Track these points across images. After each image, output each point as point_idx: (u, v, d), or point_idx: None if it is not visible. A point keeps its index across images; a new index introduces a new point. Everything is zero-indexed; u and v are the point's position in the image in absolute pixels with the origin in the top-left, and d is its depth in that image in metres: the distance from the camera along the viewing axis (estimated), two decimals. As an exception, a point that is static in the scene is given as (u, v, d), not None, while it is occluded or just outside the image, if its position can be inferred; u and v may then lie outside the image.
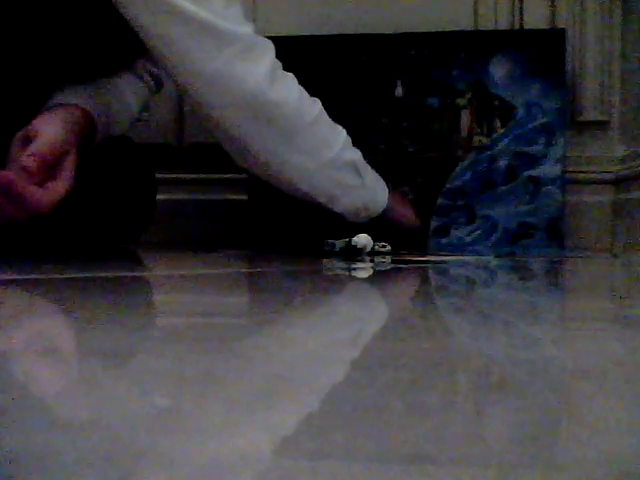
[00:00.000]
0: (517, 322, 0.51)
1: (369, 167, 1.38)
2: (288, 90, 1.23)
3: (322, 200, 1.32)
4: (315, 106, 1.27)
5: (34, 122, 1.06)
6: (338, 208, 1.34)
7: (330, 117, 1.35)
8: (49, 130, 1.06)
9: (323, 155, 1.28)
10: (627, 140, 1.77)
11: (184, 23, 1.11)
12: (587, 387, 0.31)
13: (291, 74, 1.24)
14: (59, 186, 1.04)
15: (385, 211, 1.41)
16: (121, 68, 1.26)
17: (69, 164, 1.06)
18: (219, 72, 1.14)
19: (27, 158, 1.02)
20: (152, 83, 1.34)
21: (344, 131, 1.32)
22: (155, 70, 1.32)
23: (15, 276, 0.81)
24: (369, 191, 1.37)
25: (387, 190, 1.42)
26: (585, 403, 0.28)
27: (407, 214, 1.51)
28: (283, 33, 1.81)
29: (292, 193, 1.33)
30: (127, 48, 1.20)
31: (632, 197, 1.67)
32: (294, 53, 1.71)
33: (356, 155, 1.34)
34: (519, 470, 0.21)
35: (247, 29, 1.17)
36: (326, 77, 1.70)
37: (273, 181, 1.32)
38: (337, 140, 1.30)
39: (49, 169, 1.04)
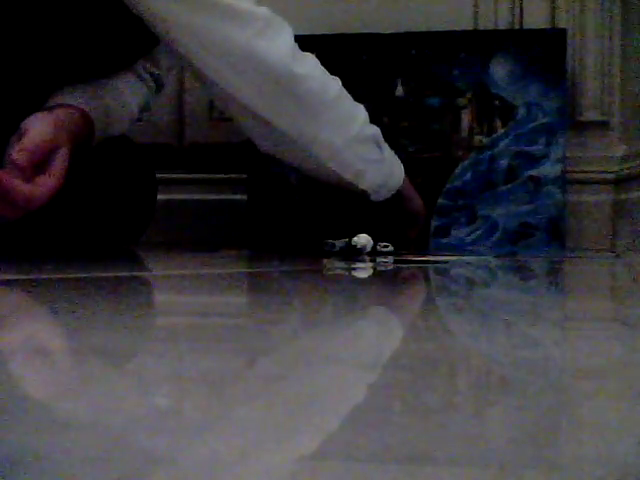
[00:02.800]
0: (517, 322, 0.51)
1: (385, 142, 1.38)
2: (311, 65, 1.24)
3: (349, 177, 1.31)
4: (337, 82, 1.28)
5: (25, 121, 1.06)
6: (363, 184, 1.33)
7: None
8: (37, 127, 1.05)
9: (349, 130, 1.28)
10: (627, 140, 1.77)
11: (203, 8, 1.12)
12: (587, 387, 0.31)
13: (309, 53, 1.26)
14: (48, 181, 1.04)
15: (400, 189, 1.41)
16: (121, 69, 1.25)
17: (59, 160, 1.06)
18: (242, 52, 1.15)
19: (15, 153, 1.02)
20: (152, 84, 1.34)
21: (362, 106, 1.33)
22: (155, 71, 1.32)
23: (15, 276, 0.81)
24: (388, 165, 1.37)
25: (402, 165, 1.42)
26: (585, 403, 0.28)
27: (415, 197, 1.49)
28: (283, 33, 1.81)
29: (316, 174, 1.33)
30: (127, 48, 1.20)
31: (632, 197, 1.67)
32: (294, 53, 1.71)
33: (375, 129, 1.34)
34: (519, 470, 0.21)
35: (263, 8, 1.18)
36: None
37: (297, 161, 1.32)
38: (360, 115, 1.31)
39: (38, 164, 1.04)
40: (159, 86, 1.36)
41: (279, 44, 1.19)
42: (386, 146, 1.36)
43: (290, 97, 1.21)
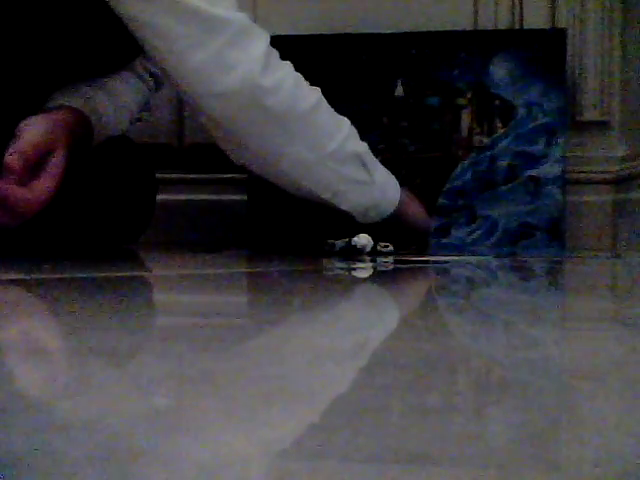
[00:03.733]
0: (518, 322, 0.51)
1: (378, 163, 1.32)
2: (282, 77, 1.18)
3: (326, 196, 1.26)
4: (313, 94, 1.22)
5: (20, 124, 1.06)
6: (345, 205, 1.28)
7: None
8: (31, 130, 1.05)
9: (323, 146, 1.22)
10: (627, 140, 1.77)
11: (172, 10, 1.09)
12: (587, 387, 0.31)
13: (288, 62, 1.21)
14: (45, 184, 1.03)
15: (396, 211, 1.35)
16: (120, 67, 1.25)
17: (55, 163, 1.05)
18: (209, 61, 1.11)
19: (9, 157, 1.02)
20: (152, 82, 1.34)
21: (348, 122, 1.27)
22: (155, 69, 1.32)
23: (15, 276, 0.81)
24: (378, 188, 1.31)
25: (399, 188, 1.36)
26: (585, 403, 0.28)
27: (418, 214, 1.45)
28: (283, 33, 1.81)
29: (295, 191, 1.29)
30: (125, 47, 1.20)
31: (632, 197, 1.67)
32: (294, 53, 1.71)
33: (362, 148, 1.28)
34: (519, 470, 0.21)
35: (238, 15, 1.14)
36: (326, 77, 1.70)
37: (272, 178, 1.28)
38: (340, 131, 1.24)
39: (33, 167, 1.04)
40: (158, 84, 1.36)
41: (249, 54, 1.14)
42: (378, 167, 1.31)
43: (255, 110, 1.16)
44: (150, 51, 1.13)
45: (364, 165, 1.28)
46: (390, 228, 1.37)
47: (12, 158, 1.02)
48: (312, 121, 1.22)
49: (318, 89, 1.24)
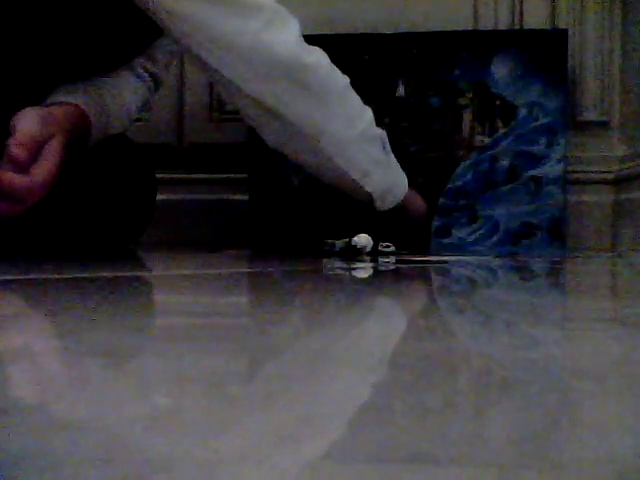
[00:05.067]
0: (518, 322, 0.51)
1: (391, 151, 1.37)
2: (318, 56, 1.23)
3: (356, 176, 1.29)
4: (345, 78, 1.27)
5: (13, 117, 1.06)
6: (370, 186, 1.31)
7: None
8: (25, 121, 1.05)
9: (357, 125, 1.27)
10: (627, 140, 1.77)
11: (209, 1, 1.12)
12: (587, 387, 0.31)
13: (317, 47, 1.26)
14: (43, 170, 1.04)
15: (404, 198, 1.39)
16: (119, 66, 1.25)
17: (52, 149, 1.05)
18: (249, 45, 1.15)
19: (14, 148, 1.02)
20: (151, 83, 1.34)
21: (370, 109, 1.31)
22: (154, 69, 1.32)
23: (15, 276, 0.81)
24: (394, 171, 1.36)
25: (405, 176, 1.39)
26: (585, 403, 0.28)
27: (419, 203, 1.48)
28: (284, 33, 1.81)
29: (322, 172, 1.32)
30: (125, 46, 1.20)
31: (632, 197, 1.67)
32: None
33: (382, 132, 1.33)
34: (519, 470, 0.21)
35: (268, 0, 1.18)
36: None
37: (308, 158, 1.30)
38: (367, 112, 1.30)
39: (30, 157, 1.04)
40: (157, 84, 1.36)
41: (286, 35, 1.19)
42: (391, 154, 1.35)
43: (299, 86, 1.20)
44: (185, 42, 1.15)
45: (384, 147, 1.32)
46: (396, 218, 1.40)
47: (17, 147, 1.02)
48: (347, 99, 1.27)
49: (346, 76, 1.28)
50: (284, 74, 1.18)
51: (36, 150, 1.04)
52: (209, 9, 1.12)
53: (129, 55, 1.24)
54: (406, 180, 1.39)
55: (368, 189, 1.32)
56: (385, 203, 1.36)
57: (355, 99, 1.28)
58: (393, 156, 1.36)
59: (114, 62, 1.23)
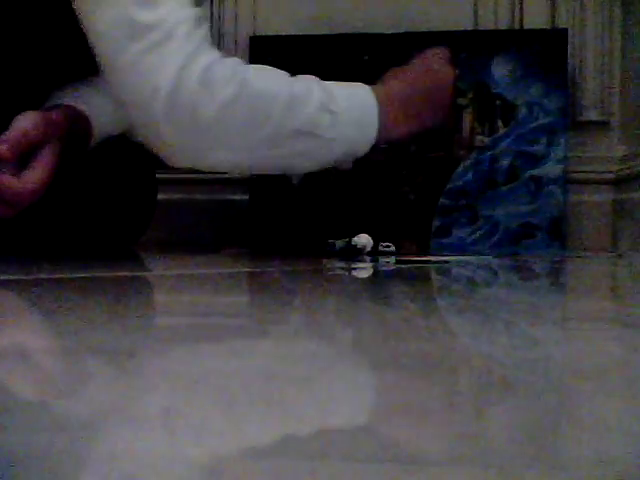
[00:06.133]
0: (518, 322, 0.51)
1: (342, 91, 1.14)
2: (214, 90, 1.05)
3: (282, 171, 1.20)
4: (229, 89, 1.06)
5: (14, 119, 1.06)
6: (313, 166, 1.16)
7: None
8: (23, 121, 1.05)
9: (252, 138, 1.08)
10: (627, 140, 1.77)
11: (104, 11, 1.02)
12: (587, 387, 0.31)
13: (229, 60, 1.08)
14: (34, 174, 1.03)
15: (382, 129, 1.17)
16: None
17: (46, 153, 1.05)
18: (127, 67, 1.03)
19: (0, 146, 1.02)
20: None
21: (296, 87, 1.10)
22: None
23: (15, 276, 0.81)
24: (345, 132, 1.13)
25: (372, 104, 1.16)
26: (585, 403, 0.28)
27: (409, 113, 1.21)
28: (283, 33, 1.81)
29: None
30: None
31: (632, 197, 1.67)
32: (295, 53, 1.71)
33: (318, 102, 1.10)
34: (519, 470, 0.21)
35: (176, 15, 1.03)
36: (328, 76, 1.70)
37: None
38: (272, 111, 1.08)
39: (24, 159, 1.04)
40: None
41: (171, 61, 1.03)
42: (345, 101, 1.13)
43: (168, 123, 1.05)
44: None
45: (312, 133, 1.11)
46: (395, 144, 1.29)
47: (2, 144, 1.02)
48: (226, 123, 1.07)
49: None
50: (151, 106, 1.04)
51: (28, 150, 1.04)
52: (103, 20, 1.02)
53: None
54: (374, 116, 1.16)
55: (313, 169, 1.17)
56: (355, 153, 1.17)
57: (243, 112, 1.07)
58: (348, 100, 1.14)
59: None
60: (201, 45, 1.05)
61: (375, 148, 1.19)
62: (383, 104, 1.18)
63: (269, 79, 1.11)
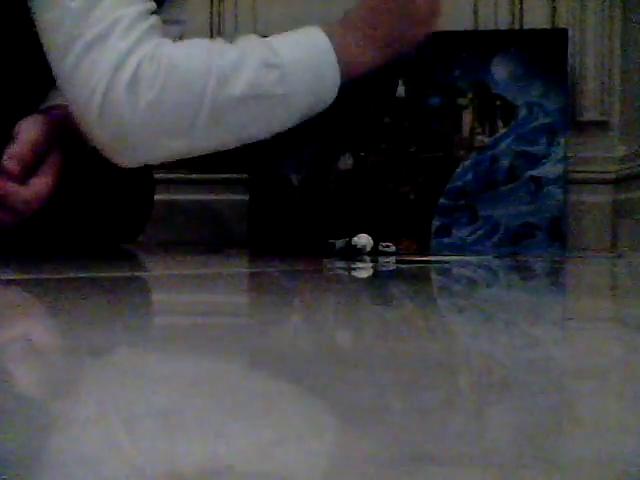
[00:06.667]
0: (518, 322, 0.51)
1: (282, 52, 1.04)
2: (139, 93, 0.99)
3: (243, 142, 1.08)
4: (152, 90, 0.99)
5: (16, 125, 1.06)
6: (267, 134, 1.07)
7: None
8: (28, 130, 1.05)
9: (189, 125, 1.02)
10: (627, 140, 1.77)
11: (48, 10, 0.99)
12: (587, 387, 0.31)
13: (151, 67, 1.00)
14: (42, 183, 1.04)
15: (346, 67, 1.07)
16: None
17: (52, 161, 1.05)
18: (69, 68, 0.99)
19: (7, 159, 1.02)
20: None
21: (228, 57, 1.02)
22: None
23: (15, 276, 0.81)
24: (299, 83, 1.04)
25: (329, 49, 1.07)
26: (585, 403, 0.28)
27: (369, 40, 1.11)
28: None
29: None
30: None
31: (632, 197, 1.67)
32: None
33: (248, 81, 1.01)
34: (519, 470, 0.21)
35: (116, 11, 0.99)
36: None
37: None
38: (204, 90, 1.00)
39: (30, 169, 1.04)
40: None
41: (103, 62, 0.98)
42: (294, 51, 1.05)
43: (102, 127, 1.00)
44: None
45: (259, 96, 1.02)
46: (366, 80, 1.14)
47: (10, 160, 1.02)
48: (155, 119, 1.01)
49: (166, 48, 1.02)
50: (97, 107, 0.99)
51: (34, 160, 1.04)
52: (48, 24, 0.99)
53: None
54: (331, 55, 1.07)
55: (278, 130, 1.07)
56: (324, 102, 1.07)
57: (175, 98, 1.00)
58: (294, 49, 1.05)
59: None
60: (141, 38, 0.99)
61: (352, 85, 1.10)
62: (340, 37, 1.10)
63: (194, 57, 1.03)
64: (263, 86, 1.02)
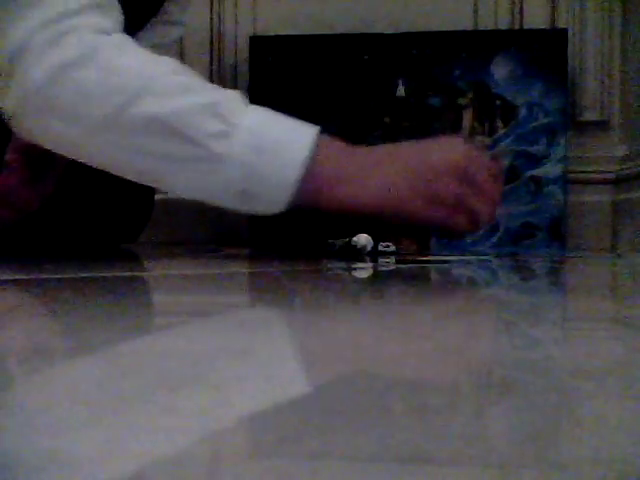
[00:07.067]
0: (518, 322, 0.51)
1: (250, 117, 0.88)
2: (53, 52, 0.89)
3: (138, 178, 0.95)
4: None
5: None
6: (176, 189, 0.93)
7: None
8: None
9: (87, 116, 0.90)
10: (627, 140, 1.77)
11: None
12: (587, 387, 0.31)
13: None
14: (44, 184, 1.04)
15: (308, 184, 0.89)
16: None
17: (53, 161, 1.06)
18: None
19: (11, 156, 1.03)
20: None
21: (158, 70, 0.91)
22: None
23: (15, 276, 0.81)
24: (245, 156, 0.87)
25: (304, 150, 0.88)
26: (585, 403, 0.28)
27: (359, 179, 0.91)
28: (283, 33, 1.81)
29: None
30: None
31: (632, 197, 1.67)
32: (295, 53, 1.71)
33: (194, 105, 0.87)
34: (519, 470, 0.21)
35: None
36: (328, 76, 1.70)
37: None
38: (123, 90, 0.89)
39: (32, 167, 1.04)
40: None
41: (27, 17, 0.89)
42: (242, 120, 0.88)
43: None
44: None
45: (188, 137, 0.87)
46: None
47: (14, 157, 1.02)
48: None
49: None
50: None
51: (38, 157, 1.05)
52: None
53: None
54: (306, 151, 0.88)
55: (178, 192, 0.94)
56: (250, 207, 0.91)
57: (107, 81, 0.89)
58: (251, 122, 0.88)
59: None
60: (81, 12, 0.91)
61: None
62: (333, 162, 0.91)
63: (133, 55, 0.92)
64: (192, 127, 0.87)
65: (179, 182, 0.90)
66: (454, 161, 0.90)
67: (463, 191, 0.92)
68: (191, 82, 0.89)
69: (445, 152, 0.91)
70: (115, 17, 0.96)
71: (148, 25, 1.21)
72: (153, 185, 0.96)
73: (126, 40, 0.94)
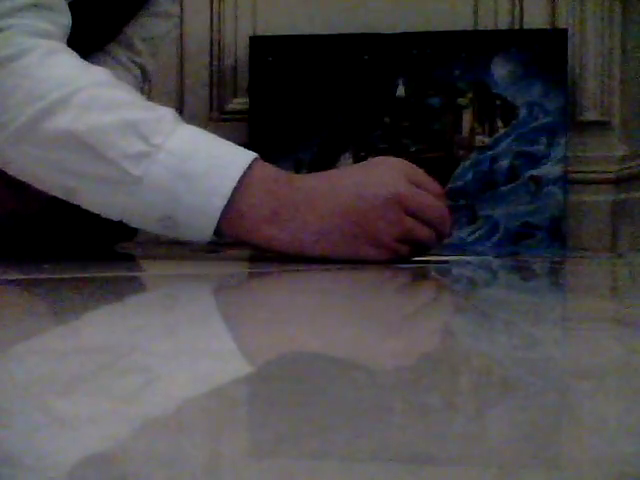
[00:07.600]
0: (518, 322, 0.51)
1: (175, 139, 0.82)
2: None
3: (57, 193, 0.89)
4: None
5: None
6: (97, 210, 0.90)
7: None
8: None
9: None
10: (627, 140, 1.77)
11: None
12: (587, 387, 0.31)
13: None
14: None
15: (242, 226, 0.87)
16: (93, 51, 1.20)
17: None
18: None
19: None
20: (137, 71, 1.33)
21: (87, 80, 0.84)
22: (139, 59, 1.31)
23: (15, 276, 0.81)
24: (165, 179, 0.82)
25: (230, 179, 0.83)
26: (585, 403, 0.28)
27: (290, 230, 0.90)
28: (283, 33, 1.81)
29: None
30: (96, 28, 1.13)
31: (632, 197, 1.67)
32: (295, 53, 1.71)
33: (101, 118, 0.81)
34: (519, 470, 0.21)
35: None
36: (328, 76, 1.70)
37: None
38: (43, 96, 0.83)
39: None
40: (144, 73, 1.35)
41: None
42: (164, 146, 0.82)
43: None
44: None
45: (96, 149, 0.82)
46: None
47: None
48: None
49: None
50: None
51: None
52: None
53: (101, 38, 1.20)
54: (232, 181, 0.83)
55: (95, 210, 0.90)
56: (175, 232, 0.88)
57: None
58: (173, 147, 0.82)
59: (86, 45, 1.18)
60: (11, 14, 0.85)
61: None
62: (257, 185, 0.85)
63: (66, 69, 0.85)
64: (107, 145, 0.81)
65: (97, 202, 0.87)
66: (394, 194, 0.85)
67: (404, 226, 0.88)
68: (118, 98, 0.84)
69: (384, 183, 0.86)
70: (58, 22, 0.91)
71: (136, 18, 1.20)
72: (75, 203, 0.89)
73: (60, 47, 0.88)
